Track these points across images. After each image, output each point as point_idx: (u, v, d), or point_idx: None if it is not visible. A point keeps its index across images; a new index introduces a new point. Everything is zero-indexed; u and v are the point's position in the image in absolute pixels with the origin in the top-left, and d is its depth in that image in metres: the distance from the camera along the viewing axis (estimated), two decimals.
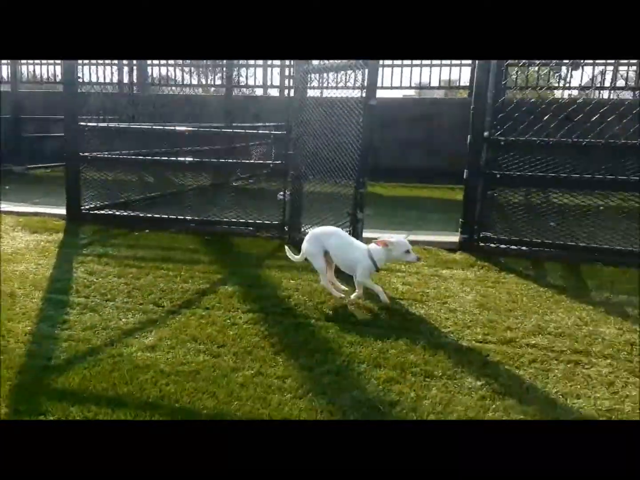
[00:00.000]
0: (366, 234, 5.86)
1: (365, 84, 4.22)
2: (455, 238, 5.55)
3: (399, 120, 11.44)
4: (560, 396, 2.82)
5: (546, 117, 5.39)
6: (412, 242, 5.71)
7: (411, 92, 16.29)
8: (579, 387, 2.91)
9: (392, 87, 12.38)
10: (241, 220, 6.05)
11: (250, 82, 11.69)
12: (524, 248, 5.31)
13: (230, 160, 6.39)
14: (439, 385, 2.91)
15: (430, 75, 12.05)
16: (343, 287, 4.12)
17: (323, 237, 4.00)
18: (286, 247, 4.26)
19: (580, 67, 12.04)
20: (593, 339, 3.47)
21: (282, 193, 5.75)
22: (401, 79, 12.14)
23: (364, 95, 4.24)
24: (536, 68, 13.37)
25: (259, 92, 9.50)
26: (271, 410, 2.64)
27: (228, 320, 3.68)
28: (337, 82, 4.91)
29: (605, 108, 5.51)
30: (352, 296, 4.00)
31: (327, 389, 2.84)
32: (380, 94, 12.49)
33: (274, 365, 3.10)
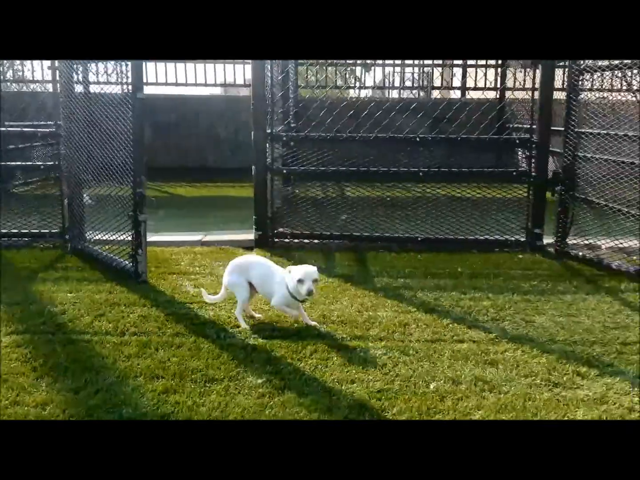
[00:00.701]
0: (159, 237, 5.62)
1: (131, 77, 3.97)
2: (252, 236, 5.55)
3: (203, 118, 11.23)
4: (337, 383, 2.92)
5: (335, 114, 5.61)
6: (209, 243, 5.67)
7: (217, 90, 16.13)
8: (354, 371, 3.04)
9: (196, 84, 12.07)
10: (13, 231, 5.39)
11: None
12: (316, 241, 5.50)
13: None
14: (219, 389, 2.83)
15: (234, 74, 11.88)
16: (257, 314, 3.80)
17: (246, 268, 3.68)
18: (202, 291, 3.89)
19: (373, 68, 12.96)
20: (371, 323, 3.67)
21: (87, 196, 5.20)
22: (205, 76, 11.89)
23: (130, 89, 3.99)
24: (334, 68, 14.11)
25: (34, 87, 8.61)
26: None
27: None
28: (107, 75, 4.57)
29: (386, 105, 5.92)
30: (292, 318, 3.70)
31: (94, 411, 2.59)
32: (184, 91, 12.16)
33: (34, 391, 2.76)
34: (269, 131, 5.27)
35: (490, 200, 5.68)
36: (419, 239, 5.40)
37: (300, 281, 3.38)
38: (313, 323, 3.62)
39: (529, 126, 5.30)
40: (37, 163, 5.68)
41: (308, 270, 3.42)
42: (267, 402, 2.72)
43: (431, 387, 2.88)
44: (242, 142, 10.40)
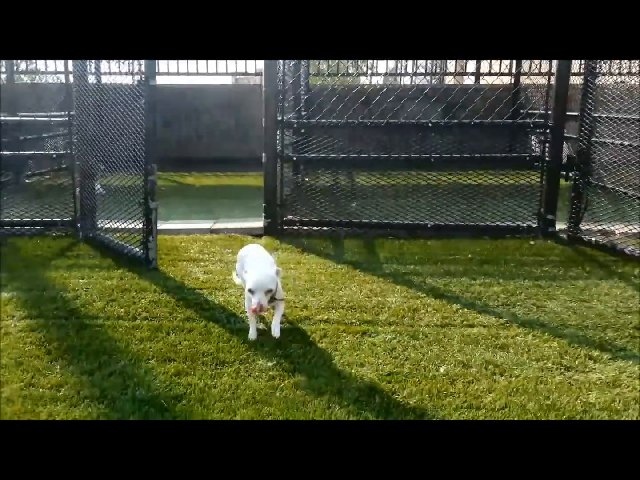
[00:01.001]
0: (169, 225, 5.65)
1: (143, 64, 3.98)
2: (261, 223, 5.56)
3: (212, 108, 11.22)
4: (347, 366, 2.93)
5: (346, 101, 5.58)
6: (218, 230, 5.68)
7: (228, 80, 16.10)
8: (364, 355, 3.05)
9: (207, 74, 12.02)
10: (26, 220, 5.43)
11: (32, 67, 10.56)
12: (325, 228, 5.50)
13: (6, 153, 5.67)
14: (230, 372, 2.85)
15: (245, 63, 11.83)
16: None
17: (243, 256, 3.52)
18: (234, 273, 3.78)
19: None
20: (380, 308, 3.67)
21: (98, 185, 5.23)
22: (216, 65, 11.84)
23: (143, 77, 4.00)
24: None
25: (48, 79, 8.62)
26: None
27: None
28: (119, 65, 4.59)
29: (398, 91, 5.88)
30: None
31: (109, 392, 2.63)
32: (194, 80, 12.14)
33: (48, 373, 2.80)
34: (279, 118, 5.27)
35: (501, 186, 5.65)
36: (429, 225, 5.38)
37: (250, 291, 2.97)
38: (276, 333, 3.11)
39: (543, 111, 5.25)
40: (50, 152, 5.70)
41: (260, 279, 2.97)
42: (277, 384, 2.74)
43: (441, 370, 2.88)
44: (251, 131, 10.40)
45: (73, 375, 2.79)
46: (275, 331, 3.11)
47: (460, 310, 3.61)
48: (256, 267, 3.16)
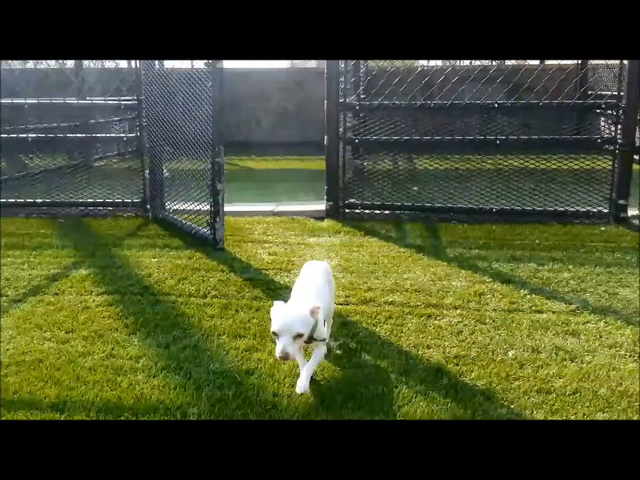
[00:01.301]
0: (233, 207, 5.77)
1: None
2: (323, 206, 5.61)
3: (269, 92, 11.32)
4: (413, 347, 2.94)
5: (407, 83, 5.52)
6: (281, 213, 5.76)
7: (284, 63, 16.15)
8: (429, 337, 3.05)
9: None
10: (99, 201, 5.69)
11: None
12: (387, 212, 5.49)
13: (80, 135, 5.93)
14: None
15: None
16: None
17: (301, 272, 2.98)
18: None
19: None
20: (445, 292, 3.66)
21: (166, 170, 5.43)
22: None
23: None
24: None
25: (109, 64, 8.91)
26: (120, 392, 2.51)
27: (79, 305, 3.44)
28: None
29: (460, 73, 5.77)
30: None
31: (184, 364, 2.75)
32: (252, 64, 12.26)
33: (127, 346, 2.95)
34: (341, 100, 5.27)
35: (570, 170, 5.47)
36: (494, 210, 5.29)
37: (274, 334, 2.35)
38: (301, 389, 2.41)
39: (614, 92, 5.04)
40: (120, 135, 5.92)
41: (286, 321, 2.33)
42: (344, 362, 2.79)
43: (510, 354, 2.85)
44: (309, 115, 10.43)
45: (150, 347, 2.93)
46: (300, 385, 2.41)
47: (528, 296, 3.55)
48: (292, 299, 2.63)
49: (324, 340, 2.57)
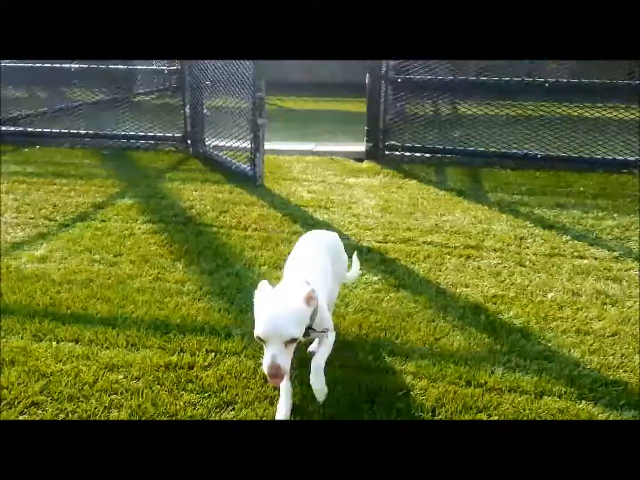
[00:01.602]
0: (272, 146, 5.76)
1: None
2: (363, 147, 5.56)
3: None
4: (451, 286, 2.97)
5: None
6: (320, 153, 5.73)
7: None
8: (468, 277, 3.07)
9: None
10: (141, 134, 5.75)
11: None
12: (427, 155, 5.42)
13: (122, 67, 5.93)
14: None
15: None
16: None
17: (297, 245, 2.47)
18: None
19: None
20: (485, 235, 3.64)
21: (206, 108, 5.42)
22: None
23: None
24: None
25: None
26: (169, 311, 2.61)
27: (125, 231, 3.54)
28: None
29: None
30: None
31: (227, 290, 2.84)
32: None
33: (172, 271, 3.05)
34: None
35: (620, 120, 5.27)
36: (538, 156, 5.16)
37: (259, 339, 1.78)
38: (319, 395, 1.94)
39: None
40: (161, 67, 5.90)
41: (274, 322, 1.76)
42: (383, 296, 2.83)
43: (549, 296, 2.85)
44: None
45: (194, 273, 3.02)
46: (318, 390, 1.91)
47: (570, 242, 3.51)
48: (283, 281, 2.11)
49: (326, 331, 2.00)
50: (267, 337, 1.73)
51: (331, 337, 2.06)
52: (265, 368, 1.72)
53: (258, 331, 1.76)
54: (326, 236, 2.50)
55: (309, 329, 1.89)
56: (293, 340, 1.76)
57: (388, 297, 2.83)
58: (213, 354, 2.29)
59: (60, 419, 1.92)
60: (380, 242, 3.51)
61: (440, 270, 3.14)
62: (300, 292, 1.85)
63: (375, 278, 3.02)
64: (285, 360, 1.72)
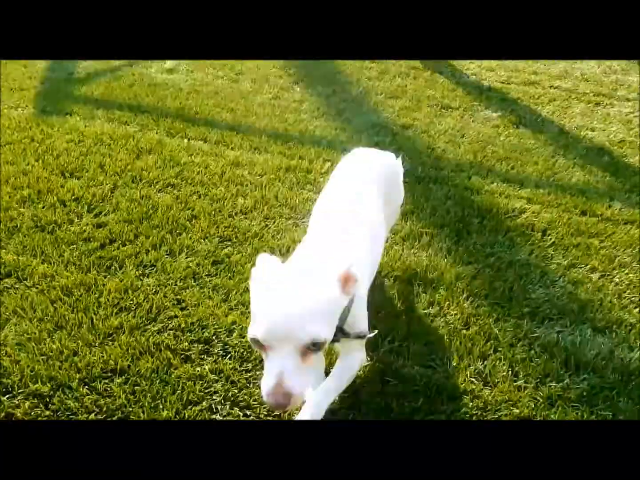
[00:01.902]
0: None
1: None
2: None
3: None
4: (575, 128, 2.83)
5: None
6: None
7: None
8: (595, 122, 2.90)
9: None
10: None
11: None
12: None
13: None
14: (454, 115, 2.92)
15: None
16: None
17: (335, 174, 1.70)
18: None
19: None
20: (619, 85, 3.37)
21: None
22: None
23: None
24: None
25: None
26: (287, 125, 2.71)
27: None
28: None
29: None
30: None
31: (344, 113, 2.88)
32: None
33: (291, 91, 3.11)
34: None
35: None
36: None
37: (254, 341, 1.12)
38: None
39: None
40: None
41: (286, 317, 1.09)
42: (502, 131, 2.77)
43: None
44: None
45: (312, 96, 3.07)
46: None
47: None
48: (297, 261, 1.28)
49: (364, 337, 1.29)
50: (272, 340, 1.08)
51: (360, 355, 1.32)
52: (264, 391, 1.06)
53: (257, 331, 1.09)
54: (381, 160, 1.62)
55: (339, 330, 1.19)
56: (315, 345, 1.08)
57: (507, 132, 2.76)
58: (329, 162, 2.39)
59: (193, 199, 2.13)
60: (502, 82, 3.36)
61: (565, 114, 2.99)
62: (330, 268, 1.15)
63: (494, 114, 2.93)
64: (299, 380, 1.06)
